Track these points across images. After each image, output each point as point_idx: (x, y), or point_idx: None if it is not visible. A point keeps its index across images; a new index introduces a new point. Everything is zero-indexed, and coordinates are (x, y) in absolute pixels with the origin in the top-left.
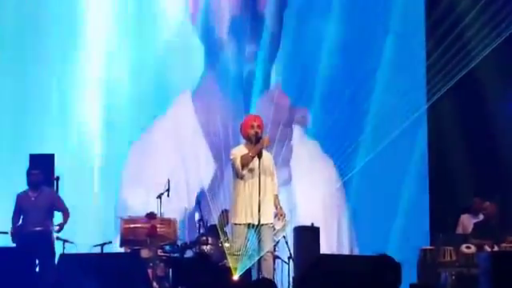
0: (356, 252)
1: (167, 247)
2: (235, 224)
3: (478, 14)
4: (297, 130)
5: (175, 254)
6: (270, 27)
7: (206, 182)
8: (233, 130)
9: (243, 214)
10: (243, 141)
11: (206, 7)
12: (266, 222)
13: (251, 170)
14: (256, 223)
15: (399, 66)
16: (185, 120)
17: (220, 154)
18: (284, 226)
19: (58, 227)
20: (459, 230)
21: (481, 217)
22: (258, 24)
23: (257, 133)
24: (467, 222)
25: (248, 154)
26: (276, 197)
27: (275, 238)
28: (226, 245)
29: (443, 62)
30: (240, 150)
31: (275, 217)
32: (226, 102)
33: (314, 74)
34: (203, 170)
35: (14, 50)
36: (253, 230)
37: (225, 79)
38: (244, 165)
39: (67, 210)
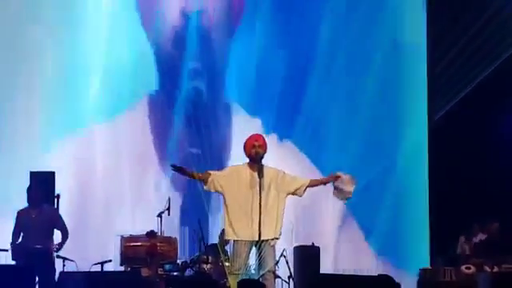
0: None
1: (167, 266)
2: (236, 241)
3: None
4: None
5: (175, 273)
6: (218, 44)
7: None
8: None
9: (243, 232)
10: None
11: (157, 22)
12: (266, 239)
13: (252, 188)
14: (256, 239)
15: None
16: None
17: None
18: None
19: (56, 247)
20: (459, 252)
21: (478, 237)
22: (205, 40)
23: (258, 152)
24: (465, 245)
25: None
26: (314, 180)
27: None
28: (227, 263)
29: (445, 81)
30: (230, 169)
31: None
32: (173, 120)
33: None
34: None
35: None
36: (254, 248)
37: (173, 95)
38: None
39: (66, 229)
